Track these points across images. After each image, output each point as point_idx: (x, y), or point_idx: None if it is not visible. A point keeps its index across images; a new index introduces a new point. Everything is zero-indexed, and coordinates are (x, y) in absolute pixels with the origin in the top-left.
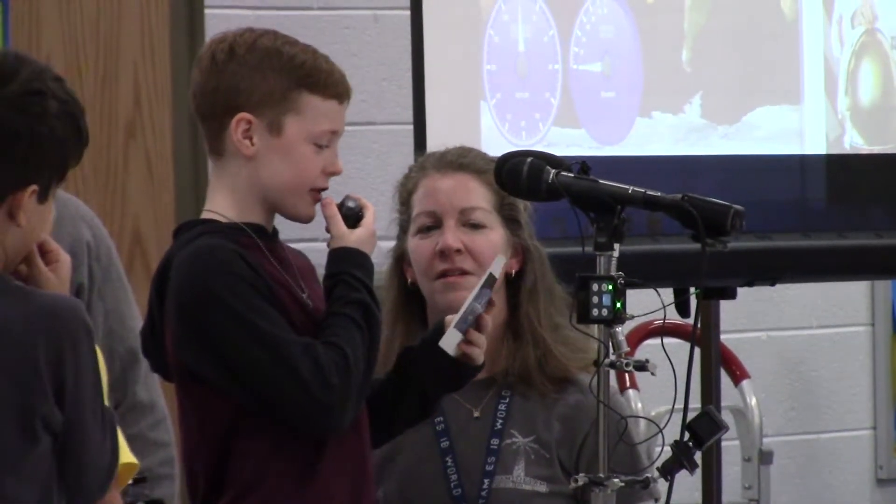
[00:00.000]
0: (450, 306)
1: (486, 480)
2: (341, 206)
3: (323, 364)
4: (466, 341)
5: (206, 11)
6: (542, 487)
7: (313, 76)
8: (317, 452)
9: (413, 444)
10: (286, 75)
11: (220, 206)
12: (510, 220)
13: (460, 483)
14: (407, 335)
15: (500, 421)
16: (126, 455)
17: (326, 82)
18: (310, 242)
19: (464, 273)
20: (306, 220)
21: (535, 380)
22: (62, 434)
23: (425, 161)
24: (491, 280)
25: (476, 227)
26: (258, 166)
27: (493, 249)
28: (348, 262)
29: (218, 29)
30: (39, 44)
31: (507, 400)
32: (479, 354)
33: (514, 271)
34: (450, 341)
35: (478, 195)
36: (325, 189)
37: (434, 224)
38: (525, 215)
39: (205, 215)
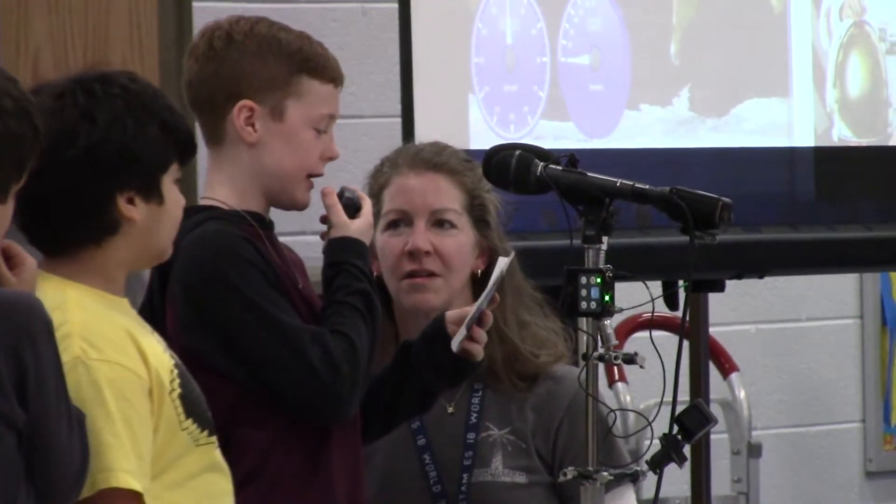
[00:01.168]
0: (415, 306)
1: (464, 475)
2: (340, 196)
3: (332, 352)
4: (468, 337)
5: (194, 4)
6: (522, 478)
7: (312, 60)
8: (320, 444)
9: (389, 444)
10: (286, 60)
11: (221, 193)
12: (480, 221)
13: (440, 479)
14: (385, 331)
15: (475, 415)
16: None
17: (324, 66)
18: (297, 236)
19: (431, 275)
20: (302, 207)
21: (502, 376)
22: (27, 433)
23: (398, 157)
24: (499, 281)
25: (446, 228)
26: (261, 153)
27: (462, 251)
28: (349, 252)
29: (206, 22)
30: (28, 37)
31: (480, 393)
32: (479, 351)
33: (479, 271)
34: (457, 341)
35: (449, 196)
36: (321, 175)
37: (404, 220)
38: (494, 216)
39: (204, 202)
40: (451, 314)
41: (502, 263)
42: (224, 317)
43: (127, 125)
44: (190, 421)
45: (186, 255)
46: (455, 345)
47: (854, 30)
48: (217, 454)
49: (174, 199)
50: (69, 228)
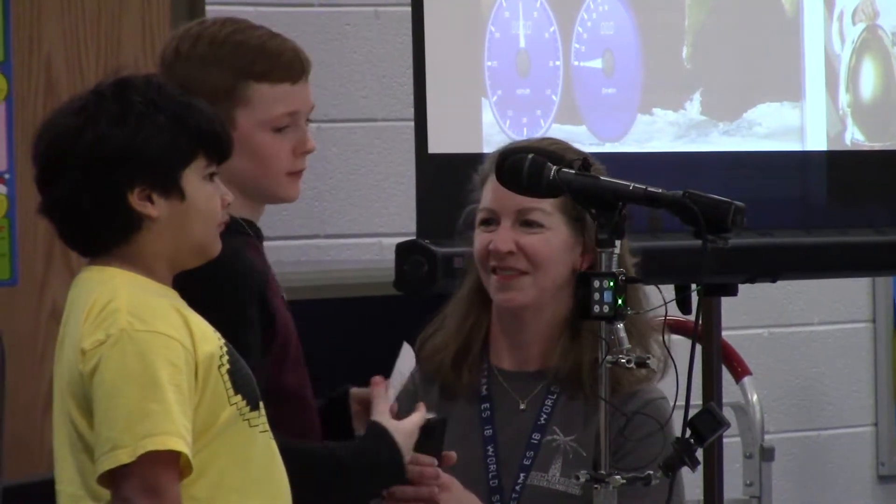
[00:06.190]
0: (501, 304)
1: (521, 475)
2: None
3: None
4: None
5: (207, 8)
6: (576, 490)
7: (255, 64)
8: None
9: (457, 424)
10: (227, 69)
11: None
12: (576, 220)
13: (498, 474)
14: (479, 318)
15: (545, 416)
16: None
17: (271, 67)
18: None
19: (518, 273)
20: (291, 200)
21: (584, 381)
22: None
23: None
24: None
25: (533, 227)
26: (229, 162)
27: (549, 250)
28: (383, 447)
29: None
30: (41, 42)
31: (555, 396)
32: None
33: (582, 268)
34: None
35: None
36: (302, 170)
37: (494, 219)
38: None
39: None
40: (356, 392)
41: (402, 361)
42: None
43: (129, 121)
44: (239, 397)
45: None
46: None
47: (867, 34)
48: (272, 443)
49: (202, 195)
50: (93, 228)
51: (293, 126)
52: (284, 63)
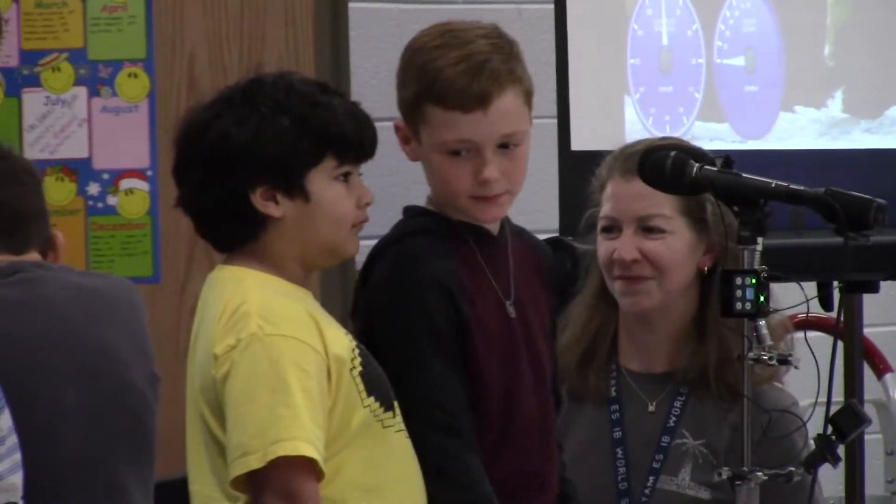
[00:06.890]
0: (628, 309)
1: (651, 478)
2: None
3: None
4: None
5: (350, 5)
6: (706, 494)
7: (434, 87)
8: None
9: (586, 427)
10: (413, 85)
11: (434, 200)
12: (699, 221)
13: (627, 477)
14: (605, 319)
15: (674, 419)
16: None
17: (444, 93)
18: None
19: (642, 278)
20: (483, 222)
21: (711, 383)
22: None
23: (615, 160)
24: None
25: (654, 233)
26: (425, 170)
27: (673, 254)
28: None
29: (362, 24)
30: (184, 39)
31: (684, 398)
32: None
33: (706, 268)
34: None
35: (659, 201)
36: (487, 196)
37: (615, 226)
38: (711, 213)
39: (428, 204)
40: None
41: None
42: (387, 344)
43: (251, 122)
44: (372, 399)
45: (380, 273)
46: None
47: None
48: (408, 443)
49: (330, 196)
50: (220, 224)
51: (472, 151)
52: (456, 91)
